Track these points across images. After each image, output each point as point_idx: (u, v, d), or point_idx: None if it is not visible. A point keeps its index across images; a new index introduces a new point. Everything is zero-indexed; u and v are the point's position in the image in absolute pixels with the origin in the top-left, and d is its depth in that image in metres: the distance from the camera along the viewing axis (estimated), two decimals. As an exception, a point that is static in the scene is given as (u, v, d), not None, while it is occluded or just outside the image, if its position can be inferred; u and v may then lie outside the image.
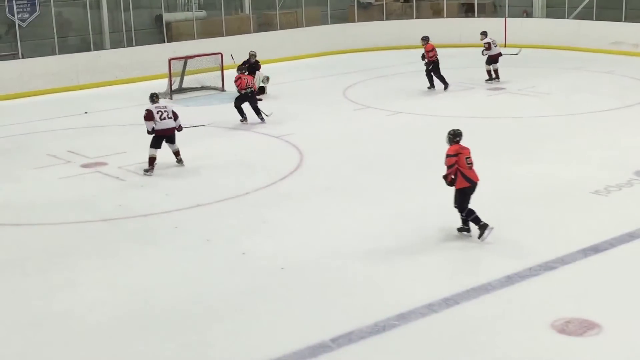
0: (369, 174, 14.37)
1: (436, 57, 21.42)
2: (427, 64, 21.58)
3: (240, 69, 18.91)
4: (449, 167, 11.01)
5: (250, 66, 20.75)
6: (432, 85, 21.58)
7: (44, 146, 17.03)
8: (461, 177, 10.97)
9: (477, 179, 11.06)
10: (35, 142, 17.54)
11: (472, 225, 11.09)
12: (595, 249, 10.53)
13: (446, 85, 21.58)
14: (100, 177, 14.74)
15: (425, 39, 21.65)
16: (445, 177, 11.11)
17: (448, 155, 11.01)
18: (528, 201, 12.58)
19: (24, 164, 15.79)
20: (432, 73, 21.53)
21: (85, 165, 15.44)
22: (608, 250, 10.55)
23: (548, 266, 10.05)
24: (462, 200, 11.05)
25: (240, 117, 18.44)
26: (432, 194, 13.00)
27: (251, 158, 15.75)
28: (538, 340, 8.35)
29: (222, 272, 10.40)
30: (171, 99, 21.57)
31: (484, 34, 22.82)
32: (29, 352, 8.61)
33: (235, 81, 18.42)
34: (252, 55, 21.25)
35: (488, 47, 22.25)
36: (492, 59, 22.40)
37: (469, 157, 11.03)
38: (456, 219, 11.68)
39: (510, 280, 9.70)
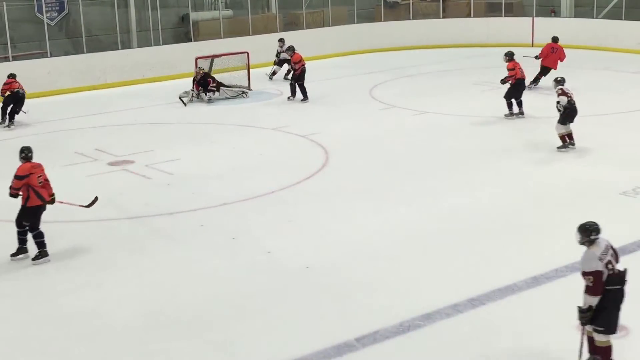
0: (395, 173, 14.35)
1: (303, 67, 20.73)
2: (292, 75, 21.21)
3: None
4: (16, 189, 10.61)
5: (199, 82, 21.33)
6: (293, 95, 20.96)
7: (72, 144, 17.16)
8: (34, 196, 10.64)
9: (49, 198, 10.86)
10: (63, 140, 17.69)
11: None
12: (623, 251, 10.38)
13: (306, 98, 20.76)
14: (127, 175, 14.83)
15: (291, 49, 21.28)
16: (15, 190, 10.63)
17: (17, 177, 10.61)
18: (554, 202, 12.51)
19: (52, 162, 15.81)
20: (296, 83, 20.86)
21: (112, 163, 15.54)
22: (636, 251, 10.48)
23: (574, 267, 9.90)
24: (35, 219, 10.75)
25: (6, 123, 18.85)
26: (459, 194, 12.99)
27: (277, 157, 15.78)
28: (564, 342, 8.29)
29: (247, 270, 10.43)
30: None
31: (282, 41, 23.15)
32: (56, 348, 8.69)
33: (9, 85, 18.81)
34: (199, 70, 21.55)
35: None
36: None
37: (41, 175, 10.82)
38: (483, 219, 11.69)
39: (536, 281, 9.66)
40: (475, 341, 8.44)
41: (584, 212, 11.94)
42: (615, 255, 7.72)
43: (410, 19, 29.89)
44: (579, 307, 7.50)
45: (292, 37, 24.17)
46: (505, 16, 29.33)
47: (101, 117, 19.93)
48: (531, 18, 28.75)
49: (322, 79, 23.39)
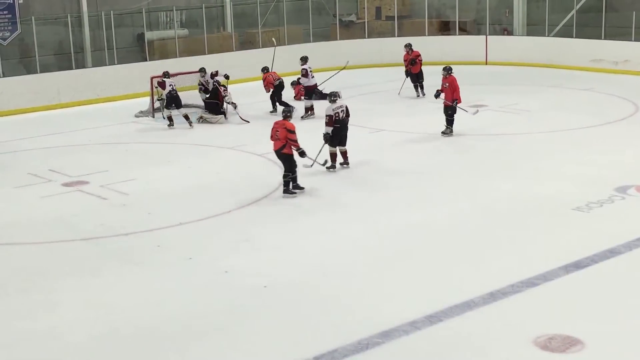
0: (352, 191, 14.37)
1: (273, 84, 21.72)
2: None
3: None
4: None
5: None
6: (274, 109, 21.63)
7: (25, 165, 16.95)
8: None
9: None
10: (16, 161, 17.47)
11: None
12: (577, 265, 10.57)
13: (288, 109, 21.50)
14: (81, 196, 14.67)
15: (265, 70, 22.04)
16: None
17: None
18: (510, 218, 12.62)
19: (5, 183, 15.70)
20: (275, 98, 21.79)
21: (66, 184, 15.37)
22: (589, 266, 10.59)
23: (530, 283, 10.07)
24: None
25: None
26: (415, 211, 13.04)
27: (234, 176, 15.72)
28: (521, 357, 8.36)
29: (204, 290, 10.35)
30: (153, 117, 21.54)
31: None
32: (9, 373, 8.55)
33: None
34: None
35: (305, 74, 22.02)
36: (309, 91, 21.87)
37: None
38: (438, 236, 11.76)
39: (492, 297, 9.71)
40: (433, 358, 8.45)
41: (537, 227, 12.15)
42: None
43: (365, 38, 30.09)
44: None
45: (247, 56, 24.21)
46: (459, 35, 29.66)
47: (55, 137, 19.73)
48: (485, 36, 29.09)
49: (279, 98, 23.40)
